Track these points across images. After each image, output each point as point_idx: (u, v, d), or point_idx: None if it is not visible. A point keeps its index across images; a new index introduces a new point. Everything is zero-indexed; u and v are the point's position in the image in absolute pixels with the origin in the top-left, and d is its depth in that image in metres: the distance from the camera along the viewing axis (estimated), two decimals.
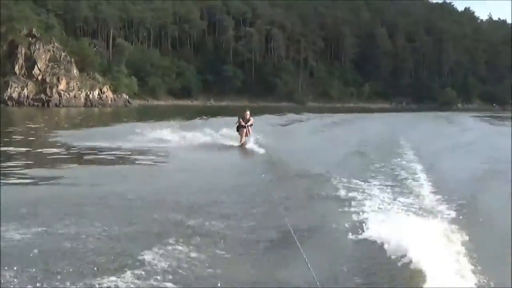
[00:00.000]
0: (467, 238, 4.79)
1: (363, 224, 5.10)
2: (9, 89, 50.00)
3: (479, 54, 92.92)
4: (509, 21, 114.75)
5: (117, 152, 12.33)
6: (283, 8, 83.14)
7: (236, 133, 15.73)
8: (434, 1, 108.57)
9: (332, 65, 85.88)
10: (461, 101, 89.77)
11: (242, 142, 15.56)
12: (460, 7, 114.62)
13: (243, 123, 16.06)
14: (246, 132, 15.78)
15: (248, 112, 16.44)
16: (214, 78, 75.98)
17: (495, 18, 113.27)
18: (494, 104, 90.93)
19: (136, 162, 11.16)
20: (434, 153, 13.04)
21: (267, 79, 78.74)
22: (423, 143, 15.61)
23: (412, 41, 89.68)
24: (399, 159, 11.32)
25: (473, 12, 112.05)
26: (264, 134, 16.19)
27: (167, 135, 15.61)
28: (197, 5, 77.77)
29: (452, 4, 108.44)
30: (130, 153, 12.36)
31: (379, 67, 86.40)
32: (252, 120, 16.37)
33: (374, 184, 8.02)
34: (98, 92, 54.92)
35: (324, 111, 48.13)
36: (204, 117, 27.81)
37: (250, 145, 15.06)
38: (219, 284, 3.87)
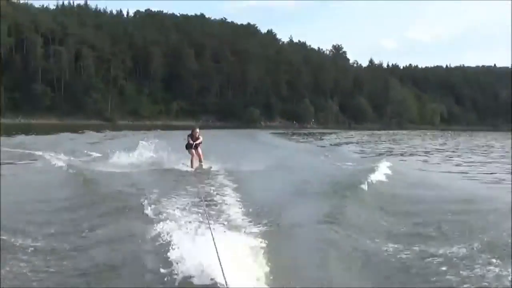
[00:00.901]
0: (271, 252, 7.82)
1: (169, 246, 7.46)
2: None
3: (281, 74, 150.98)
4: (308, 43, 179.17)
5: None
6: (93, 27, 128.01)
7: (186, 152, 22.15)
8: (239, 23, 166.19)
9: (142, 84, 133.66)
10: (264, 119, 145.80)
11: (193, 165, 21.82)
12: (263, 29, 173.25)
13: (191, 141, 22.39)
14: (197, 152, 22.17)
15: (197, 130, 23.11)
16: (23, 96, 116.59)
17: (295, 40, 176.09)
18: (294, 122, 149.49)
19: None
20: (241, 168, 20.37)
21: (77, 97, 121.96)
22: (231, 160, 22.69)
23: (218, 62, 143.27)
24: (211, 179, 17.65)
25: (275, 34, 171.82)
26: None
27: None
28: (4, 22, 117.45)
29: (255, 26, 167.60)
30: None
31: (187, 86, 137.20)
32: (201, 138, 22.83)
33: (182, 204, 11.99)
34: None
35: (134, 128, 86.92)
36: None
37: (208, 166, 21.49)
38: None
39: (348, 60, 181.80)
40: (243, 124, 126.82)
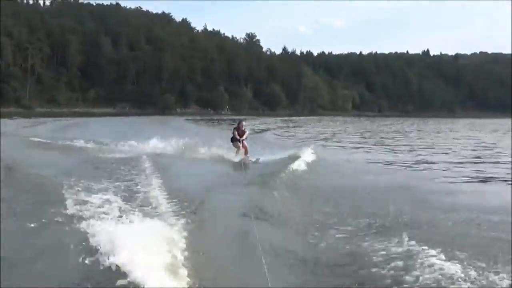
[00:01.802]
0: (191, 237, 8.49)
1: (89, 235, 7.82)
2: None
3: (196, 62, 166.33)
4: (222, 31, 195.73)
5: None
6: (10, 16, 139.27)
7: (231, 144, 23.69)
8: (154, 12, 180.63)
9: (59, 72, 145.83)
10: (180, 106, 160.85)
11: (237, 154, 22.84)
12: (178, 17, 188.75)
13: (237, 136, 23.32)
14: (243, 146, 23.14)
15: (243, 123, 24.27)
16: None
17: (209, 29, 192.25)
18: (209, 109, 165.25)
19: None
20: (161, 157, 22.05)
21: None
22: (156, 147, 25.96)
23: (134, 50, 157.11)
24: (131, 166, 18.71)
25: (190, 23, 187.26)
26: None
27: None
28: None
29: (170, 14, 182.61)
30: None
31: (104, 73, 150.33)
32: (247, 132, 23.93)
33: (102, 188, 13.25)
34: None
35: (52, 115, 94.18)
36: None
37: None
38: None
39: (262, 48, 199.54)
40: (158, 111, 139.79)
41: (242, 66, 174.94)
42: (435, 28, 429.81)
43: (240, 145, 23.20)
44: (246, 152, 23.31)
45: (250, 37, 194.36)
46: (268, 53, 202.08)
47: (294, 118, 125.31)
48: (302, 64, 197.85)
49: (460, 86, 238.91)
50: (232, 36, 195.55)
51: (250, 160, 22.70)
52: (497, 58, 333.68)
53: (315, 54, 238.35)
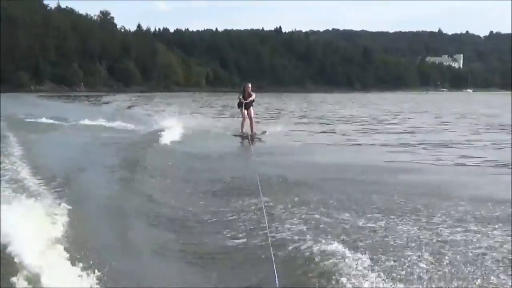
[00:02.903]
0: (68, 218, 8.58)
1: None
2: None
3: (49, 40, 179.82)
4: (76, 8, 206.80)
5: None
6: None
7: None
8: None
9: None
10: (35, 83, 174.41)
11: (242, 129, 24.46)
12: None
13: (242, 99, 24.56)
14: (248, 113, 24.42)
15: (249, 85, 25.10)
16: None
17: (63, 6, 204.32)
18: (64, 86, 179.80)
19: None
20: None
21: None
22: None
23: None
24: None
25: (42, 1, 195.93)
26: None
27: None
28: None
29: None
30: None
31: None
32: (253, 95, 24.88)
33: None
34: None
35: None
36: None
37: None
38: None
39: (116, 25, 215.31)
40: (12, 88, 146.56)
41: (96, 44, 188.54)
42: (289, 6, 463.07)
43: (246, 113, 25.18)
44: (251, 126, 25.52)
45: (104, 14, 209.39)
46: (122, 30, 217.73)
47: (148, 94, 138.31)
48: (157, 41, 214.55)
49: (311, 62, 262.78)
50: (86, 13, 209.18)
51: (255, 133, 25.36)
52: (347, 34, 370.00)
53: (171, 31, 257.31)
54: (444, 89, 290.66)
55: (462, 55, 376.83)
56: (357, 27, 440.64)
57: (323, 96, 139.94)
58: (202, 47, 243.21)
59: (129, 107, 64.39)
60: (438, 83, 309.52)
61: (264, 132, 25.83)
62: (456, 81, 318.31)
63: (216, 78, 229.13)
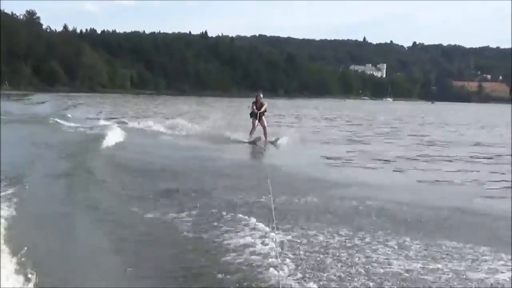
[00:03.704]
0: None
1: None
2: None
3: None
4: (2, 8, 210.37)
5: None
6: None
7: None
8: None
9: None
10: None
11: (251, 135, 25.62)
12: None
13: (255, 110, 25.80)
14: (261, 123, 25.67)
15: (261, 95, 26.69)
16: None
17: None
18: None
19: None
20: None
21: None
22: None
23: None
24: None
25: None
26: None
27: None
28: None
29: None
30: None
31: None
32: (265, 105, 26.23)
33: None
34: None
35: None
36: None
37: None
38: None
39: (42, 25, 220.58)
40: None
41: (21, 43, 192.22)
42: (216, 10, 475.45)
43: (256, 122, 26.57)
44: (265, 133, 27.05)
45: (30, 14, 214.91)
46: (48, 30, 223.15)
47: (73, 94, 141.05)
48: (82, 42, 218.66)
49: (235, 67, 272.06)
50: (12, 12, 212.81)
51: (268, 141, 26.45)
52: (274, 41, 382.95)
53: (98, 32, 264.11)
54: (366, 97, 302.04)
55: (385, 64, 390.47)
56: (283, 34, 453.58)
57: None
58: (127, 49, 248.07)
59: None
60: (360, 91, 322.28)
61: (277, 140, 27.10)
62: (378, 90, 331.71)
63: (141, 80, 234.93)
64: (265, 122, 26.88)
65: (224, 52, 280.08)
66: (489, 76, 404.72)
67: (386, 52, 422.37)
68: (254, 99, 27.96)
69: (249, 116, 27.54)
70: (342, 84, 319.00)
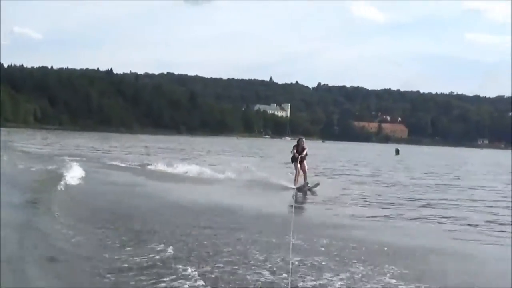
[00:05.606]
0: None
1: None
2: None
3: None
4: None
5: None
6: None
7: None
8: None
9: None
10: None
11: (296, 180, 25.74)
12: None
13: (296, 154, 25.92)
14: (302, 167, 25.78)
15: (303, 140, 26.61)
16: None
17: None
18: None
19: None
20: None
21: None
22: None
23: None
24: None
25: None
26: None
27: None
28: None
29: None
30: None
31: None
32: (306, 150, 26.18)
33: None
34: None
35: None
36: None
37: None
38: None
39: None
40: None
41: None
42: (124, 48, 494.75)
43: (299, 166, 26.80)
44: (305, 177, 27.33)
45: None
46: None
47: None
48: None
49: (138, 104, 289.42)
50: None
51: (308, 186, 27.01)
52: (182, 79, 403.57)
53: (5, 66, 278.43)
54: (267, 136, 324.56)
55: (289, 104, 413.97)
56: (191, 72, 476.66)
57: (144, 138, 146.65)
58: (31, 84, 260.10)
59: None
60: (261, 130, 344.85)
61: (317, 185, 27.45)
62: (279, 129, 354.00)
63: (44, 115, 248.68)
64: (306, 167, 27.54)
65: (128, 89, 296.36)
66: (388, 118, 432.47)
67: (292, 92, 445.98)
68: (295, 143, 28.51)
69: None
70: (244, 123, 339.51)
